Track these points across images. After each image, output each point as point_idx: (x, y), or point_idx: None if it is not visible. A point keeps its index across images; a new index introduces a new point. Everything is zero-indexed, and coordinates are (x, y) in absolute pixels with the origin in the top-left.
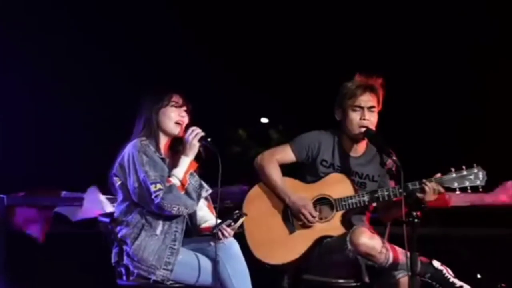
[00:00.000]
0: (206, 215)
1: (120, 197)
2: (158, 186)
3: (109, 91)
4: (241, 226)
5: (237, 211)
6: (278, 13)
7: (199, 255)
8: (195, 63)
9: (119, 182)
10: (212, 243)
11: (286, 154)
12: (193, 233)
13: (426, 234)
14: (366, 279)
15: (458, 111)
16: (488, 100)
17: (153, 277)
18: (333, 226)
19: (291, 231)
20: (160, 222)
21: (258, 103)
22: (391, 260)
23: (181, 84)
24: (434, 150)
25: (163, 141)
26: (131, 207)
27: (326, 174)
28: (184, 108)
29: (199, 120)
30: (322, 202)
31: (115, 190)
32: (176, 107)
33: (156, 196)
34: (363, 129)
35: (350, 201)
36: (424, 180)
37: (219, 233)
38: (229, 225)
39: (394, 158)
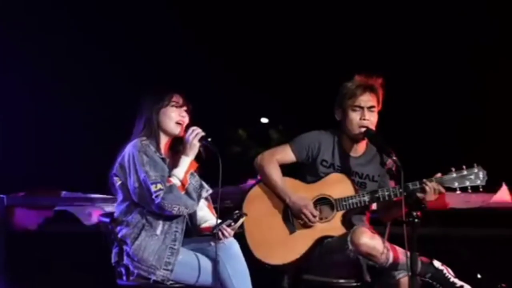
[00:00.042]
0: (206, 215)
1: (120, 197)
2: (159, 186)
3: (109, 91)
4: (241, 226)
5: (237, 211)
6: (278, 13)
7: (199, 255)
8: (195, 63)
9: (119, 182)
10: (212, 243)
11: (286, 154)
12: (193, 233)
13: (426, 234)
14: (368, 278)
15: (458, 111)
16: (488, 100)
17: (153, 277)
18: (333, 226)
19: (291, 231)
20: (160, 222)
21: (258, 103)
22: (391, 260)
23: (181, 84)
24: (434, 150)
25: (164, 141)
26: (131, 207)
27: (326, 174)
28: (185, 108)
29: (199, 120)
30: (322, 202)
31: (115, 190)
32: (176, 107)
33: (156, 196)
34: (363, 129)
35: (350, 201)
36: (424, 180)
37: (219, 233)
38: (229, 225)
39: (394, 158)
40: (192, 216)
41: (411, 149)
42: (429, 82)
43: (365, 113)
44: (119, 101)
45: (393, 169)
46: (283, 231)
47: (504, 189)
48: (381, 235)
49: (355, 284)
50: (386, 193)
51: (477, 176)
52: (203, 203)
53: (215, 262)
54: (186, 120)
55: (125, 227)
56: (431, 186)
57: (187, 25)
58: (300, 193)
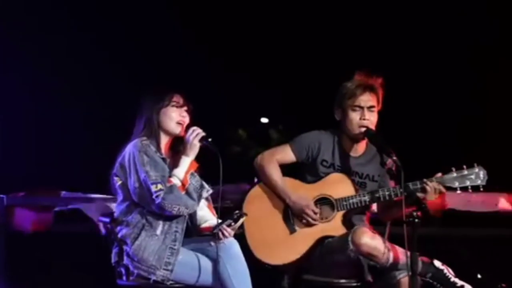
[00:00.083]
0: (206, 215)
1: (120, 197)
2: (159, 186)
3: (109, 91)
4: (241, 226)
5: (237, 211)
6: (278, 13)
7: (199, 255)
8: (195, 63)
9: (119, 182)
10: (212, 243)
11: (286, 154)
12: (193, 233)
13: (426, 234)
14: (369, 278)
15: (458, 111)
16: (488, 100)
17: (153, 277)
18: (334, 226)
19: (292, 231)
20: (160, 222)
21: (258, 103)
22: (392, 260)
23: (181, 84)
24: (434, 150)
25: (164, 141)
26: (131, 207)
27: (327, 174)
28: (185, 108)
29: (199, 120)
30: (322, 202)
31: (115, 190)
32: (177, 107)
33: (157, 196)
34: (363, 129)
35: (351, 201)
36: (425, 180)
37: (220, 233)
38: (229, 225)
39: (394, 158)
40: (192, 216)
41: (411, 149)
42: (429, 82)
43: (365, 113)
44: (119, 101)
45: (393, 169)
46: (283, 231)
47: (502, 201)
48: (382, 235)
49: (355, 284)
50: (387, 193)
51: (478, 175)
52: (203, 203)
53: (215, 262)
54: (186, 120)
55: (125, 227)
56: (431, 185)
57: (187, 25)
58: (300, 193)
